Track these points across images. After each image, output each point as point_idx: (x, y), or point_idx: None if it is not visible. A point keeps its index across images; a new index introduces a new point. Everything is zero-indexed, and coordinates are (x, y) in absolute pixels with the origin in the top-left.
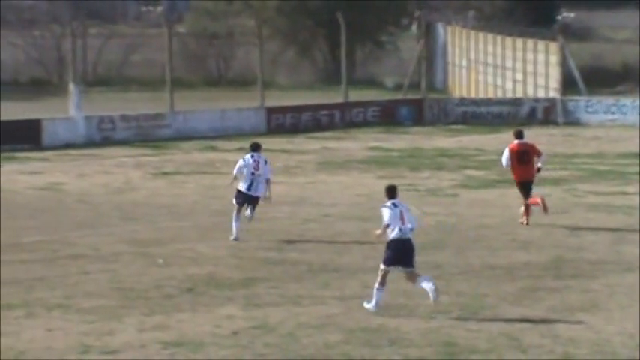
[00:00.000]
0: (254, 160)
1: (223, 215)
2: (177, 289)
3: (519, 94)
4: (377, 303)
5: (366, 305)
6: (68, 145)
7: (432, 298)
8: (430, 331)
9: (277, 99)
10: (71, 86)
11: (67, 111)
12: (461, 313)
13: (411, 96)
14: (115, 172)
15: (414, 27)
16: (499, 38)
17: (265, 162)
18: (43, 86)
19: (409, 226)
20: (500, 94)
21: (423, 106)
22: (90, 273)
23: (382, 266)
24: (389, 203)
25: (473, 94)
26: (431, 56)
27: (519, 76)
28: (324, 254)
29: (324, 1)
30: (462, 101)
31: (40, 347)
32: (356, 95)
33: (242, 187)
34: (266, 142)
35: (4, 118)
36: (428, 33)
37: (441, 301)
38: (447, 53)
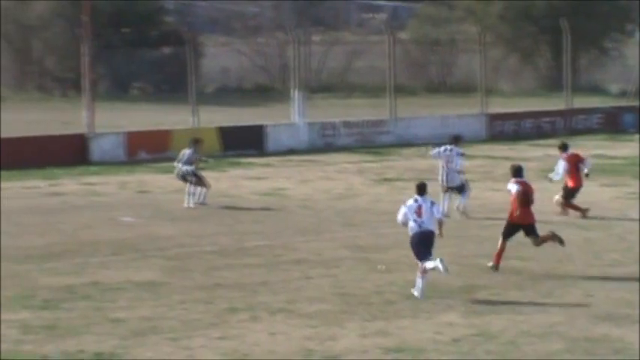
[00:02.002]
0: (445, 155)
1: (444, 222)
2: (398, 295)
3: None
4: (422, 291)
5: (415, 293)
6: (291, 151)
7: (442, 270)
8: None
9: (499, 105)
10: (294, 93)
11: (290, 117)
12: None
13: (635, 103)
14: (337, 177)
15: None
16: None
17: (461, 154)
18: (267, 92)
19: (438, 215)
20: None
21: None
22: (312, 278)
23: (419, 263)
24: (410, 201)
25: None
26: None
27: None
28: (546, 262)
29: (547, 8)
30: None
31: (263, 351)
32: (579, 102)
33: (439, 178)
34: (487, 149)
35: (229, 123)
36: None
37: None
38: None
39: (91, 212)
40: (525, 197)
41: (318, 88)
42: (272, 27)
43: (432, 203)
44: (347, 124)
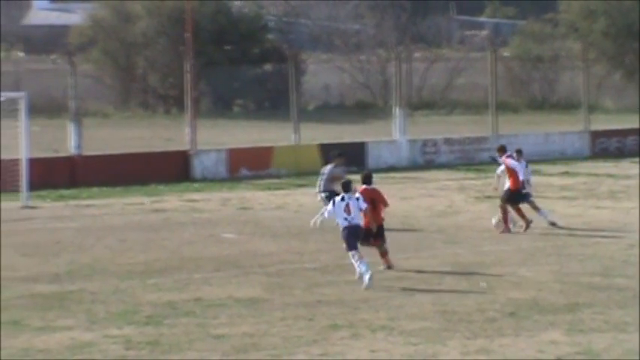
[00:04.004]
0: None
1: (546, 240)
2: (500, 313)
3: None
4: (369, 277)
5: (366, 282)
6: (392, 168)
7: (365, 283)
8: None
9: (602, 123)
10: (395, 109)
11: (391, 134)
12: None
13: None
14: (438, 195)
15: None
16: None
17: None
18: (368, 109)
19: (363, 207)
20: None
21: None
22: (413, 295)
23: (349, 252)
24: (338, 197)
25: None
26: None
27: None
28: None
29: None
30: None
31: None
32: None
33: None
34: (590, 167)
35: (330, 140)
36: None
37: None
38: None
39: (193, 229)
40: (373, 203)
41: (419, 104)
42: (374, 44)
43: (357, 199)
44: (448, 141)
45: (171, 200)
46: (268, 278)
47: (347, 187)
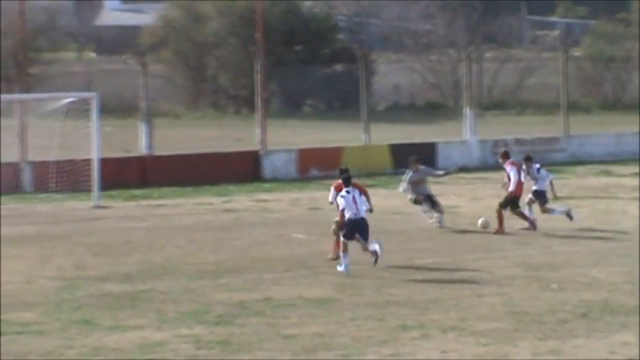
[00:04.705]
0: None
1: (618, 241)
2: (572, 315)
3: None
4: (346, 266)
5: (339, 268)
6: (462, 168)
7: (378, 254)
8: None
9: None
10: (466, 110)
11: (462, 134)
12: None
13: None
14: None
15: None
16: None
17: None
18: (438, 109)
19: (364, 207)
20: None
21: None
22: (484, 296)
23: (342, 239)
24: (343, 192)
25: None
26: None
27: None
28: None
29: None
30: None
31: None
32: None
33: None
34: None
35: (401, 141)
36: None
37: None
38: None
39: (264, 229)
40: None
41: (490, 105)
42: (444, 44)
43: (360, 193)
44: (519, 142)
45: (242, 200)
46: (338, 278)
47: (348, 181)
